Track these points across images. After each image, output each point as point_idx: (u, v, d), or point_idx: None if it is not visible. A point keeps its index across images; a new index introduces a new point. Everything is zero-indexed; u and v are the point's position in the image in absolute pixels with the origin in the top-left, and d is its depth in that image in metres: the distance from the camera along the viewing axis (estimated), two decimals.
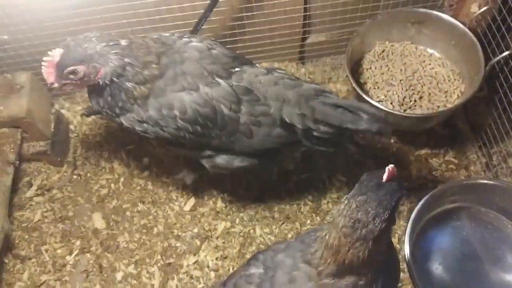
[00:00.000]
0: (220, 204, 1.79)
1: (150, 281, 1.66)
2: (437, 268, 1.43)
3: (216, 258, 1.69)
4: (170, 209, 1.80)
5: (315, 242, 1.03)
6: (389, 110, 1.57)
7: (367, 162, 1.84)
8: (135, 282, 1.66)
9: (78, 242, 1.73)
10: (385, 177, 0.93)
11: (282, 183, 1.82)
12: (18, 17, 1.62)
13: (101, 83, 1.30)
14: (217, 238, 1.73)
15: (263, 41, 1.80)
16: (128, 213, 1.79)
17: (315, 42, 1.90)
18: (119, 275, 1.67)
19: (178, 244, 1.72)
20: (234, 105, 1.35)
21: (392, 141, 1.88)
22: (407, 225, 1.67)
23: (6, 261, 1.69)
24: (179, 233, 1.74)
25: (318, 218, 1.75)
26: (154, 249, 1.72)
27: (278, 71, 1.43)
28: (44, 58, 1.27)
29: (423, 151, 1.86)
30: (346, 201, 0.94)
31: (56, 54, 1.26)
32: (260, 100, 1.38)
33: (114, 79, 1.29)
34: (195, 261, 1.69)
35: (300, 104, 1.34)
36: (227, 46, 1.85)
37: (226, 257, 1.70)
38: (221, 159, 1.48)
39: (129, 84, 1.29)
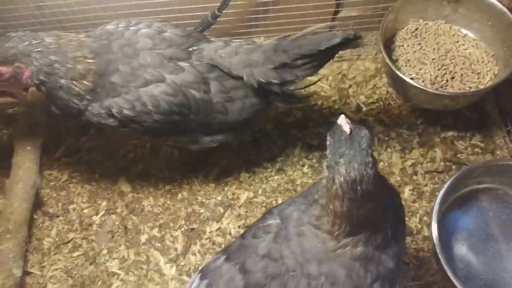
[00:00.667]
0: (243, 174, 1.81)
1: (174, 244, 1.70)
2: (460, 247, 1.45)
3: (238, 226, 1.73)
4: (195, 177, 1.82)
5: (316, 203, 1.05)
6: (421, 87, 1.56)
7: (391, 142, 1.84)
8: (159, 244, 1.71)
9: (104, 203, 1.78)
10: (347, 128, 0.94)
11: (306, 158, 1.84)
12: None
13: (31, 83, 1.28)
14: (239, 207, 1.76)
15: (295, 12, 1.78)
16: (153, 178, 1.82)
17: (347, 17, 1.87)
18: (143, 237, 1.72)
19: (201, 211, 1.76)
20: (203, 86, 1.35)
21: (418, 121, 1.88)
22: (429, 205, 1.69)
23: (36, 217, 1.75)
24: (203, 200, 1.77)
25: None
26: (178, 214, 1.75)
27: (233, 41, 1.42)
28: None
29: (449, 133, 1.84)
30: (331, 169, 0.95)
31: None
32: (227, 75, 1.37)
33: (44, 78, 1.26)
34: (218, 228, 1.73)
35: (270, 59, 1.34)
36: (259, 16, 1.86)
37: (248, 226, 1.73)
38: (203, 140, 1.50)
39: (63, 81, 1.27)
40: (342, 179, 0.92)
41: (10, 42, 1.23)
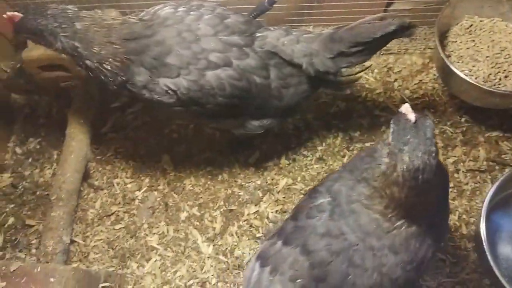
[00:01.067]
0: (283, 160, 1.83)
1: (212, 224, 1.74)
2: (504, 247, 1.44)
3: (276, 211, 1.75)
4: (235, 160, 1.85)
5: (365, 181, 1.07)
6: (475, 83, 1.54)
7: (435, 139, 1.82)
8: (197, 223, 1.75)
9: (147, 180, 1.83)
10: (412, 117, 0.95)
11: (347, 149, 1.84)
12: None
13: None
14: (278, 192, 1.78)
15: (349, 2, 1.78)
16: (195, 158, 1.86)
17: (399, 10, 1.85)
18: (183, 215, 1.76)
19: (241, 193, 1.78)
20: (264, 72, 1.39)
21: (462, 119, 1.86)
22: (468, 204, 1.68)
23: (82, 188, 1.81)
24: (242, 183, 1.80)
25: None
26: (217, 195, 1.79)
27: (293, 30, 1.47)
28: (8, 13, 1.34)
29: (494, 133, 1.82)
30: (393, 156, 0.95)
31: (15, 16, 1.33)
32: (285, 62, 1.42)
33: (70, 56, 1.37)
34: (256, 211, 1.75)
35: (328, 48, 1.40)
36: (313, 4, 1.85)
37: (285, 212, 1.75)
38: (250, 125, 1.53)
39: (88, 62, 1.35)
40: (404, 167, 0.93)
41: (42, 18, 1.32)
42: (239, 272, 1.66)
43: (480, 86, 1.54)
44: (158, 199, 1.79)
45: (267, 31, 1.44)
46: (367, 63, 1.55)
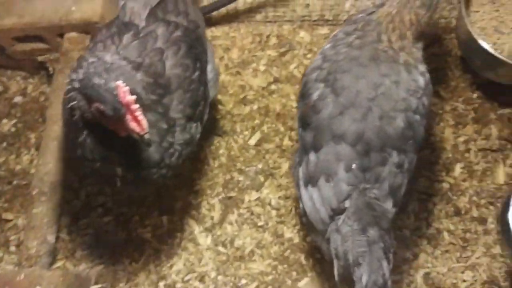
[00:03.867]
0: (286, 142, 1.69)
1: (210, 213, 1.61)
2: None
3: (279, 197, 1.63)
4: (234, 141, 1.70)
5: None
6: (503, 58, 1.41)
7: (444, 115, 1.71)
8: (194, 212, 1.61)
9: None
10: None
11: None
12: None
13: None
14: (281, 176, 1.65)
15: None
16: None
17: None
18: (178, 204, 1.61)
19: (240, 178, 1.65)
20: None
21: (474, 95, 1.74)
22: (479, 185, 1.60)
23: None
24: (242, 167, 1.66)
25: None
26: (215, 180, 1.65)
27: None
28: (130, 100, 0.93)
29: (507, 110, 1.71)
30: None
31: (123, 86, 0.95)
32: None
33: None
34: (257, 198, 1.63)
35: None
36: None
37: (288, 197, 1.63)
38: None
39: None
40: None
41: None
42: (240, 264, 1.55)
43: (507, 61, 1.41)
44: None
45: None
46: None
